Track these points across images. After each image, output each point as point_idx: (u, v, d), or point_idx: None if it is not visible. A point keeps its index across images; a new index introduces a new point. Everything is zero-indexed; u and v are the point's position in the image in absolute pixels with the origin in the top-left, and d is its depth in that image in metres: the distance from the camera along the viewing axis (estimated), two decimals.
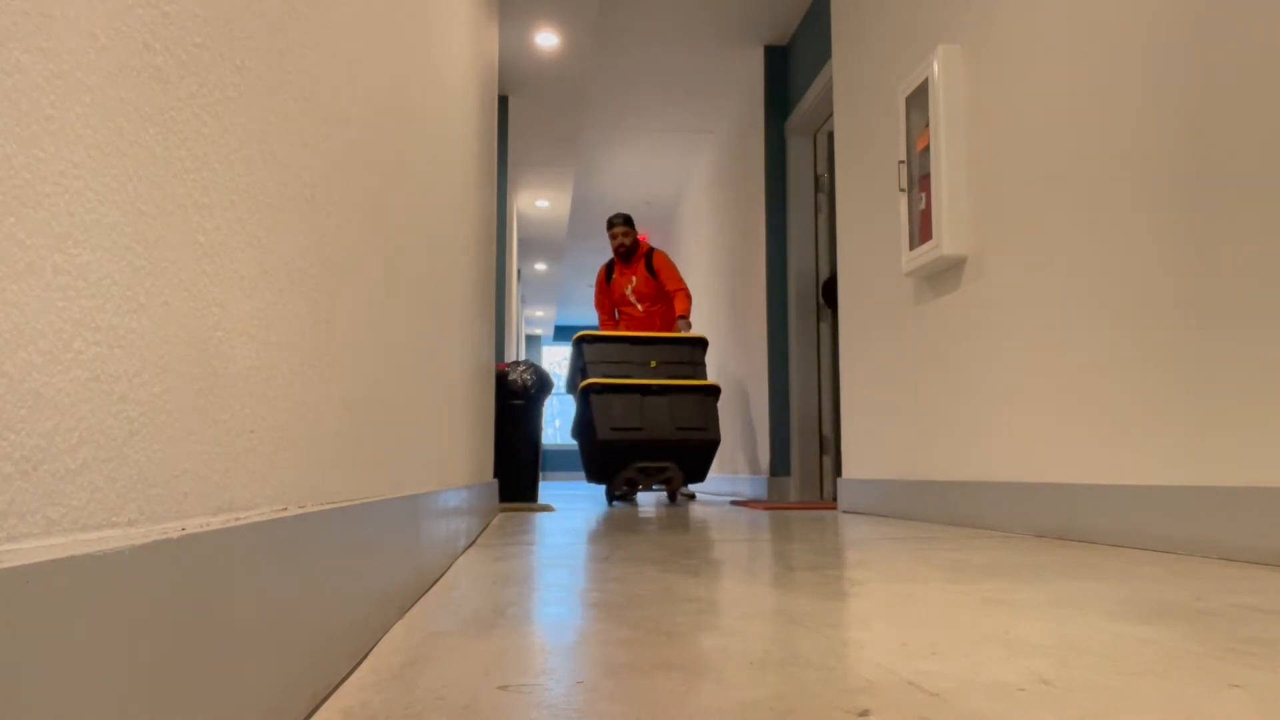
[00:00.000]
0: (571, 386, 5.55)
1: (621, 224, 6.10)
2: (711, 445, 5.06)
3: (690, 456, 5.08)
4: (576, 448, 17.59)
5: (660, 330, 6.11)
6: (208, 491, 0.59)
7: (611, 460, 4.96)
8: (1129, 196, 2.37)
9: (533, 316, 15.33)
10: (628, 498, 5.70)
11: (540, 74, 6.18)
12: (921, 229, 3.53)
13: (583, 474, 17.23)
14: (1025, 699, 0.79)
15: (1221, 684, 0.84)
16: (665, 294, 6.14)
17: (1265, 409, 1.92)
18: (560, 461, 17.01)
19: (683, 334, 5.35)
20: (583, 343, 5.21)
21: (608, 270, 6.26)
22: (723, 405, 7.62)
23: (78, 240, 0.43)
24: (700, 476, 5.20)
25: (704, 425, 5.03)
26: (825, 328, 5.85)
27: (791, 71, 6.09)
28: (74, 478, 0.43)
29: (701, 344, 5.32)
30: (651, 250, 6.15)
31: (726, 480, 7.54)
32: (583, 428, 5.09)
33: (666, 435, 4.95)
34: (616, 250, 6.13)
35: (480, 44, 3.21)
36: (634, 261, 6.13)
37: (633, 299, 6.16)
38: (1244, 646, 1.02)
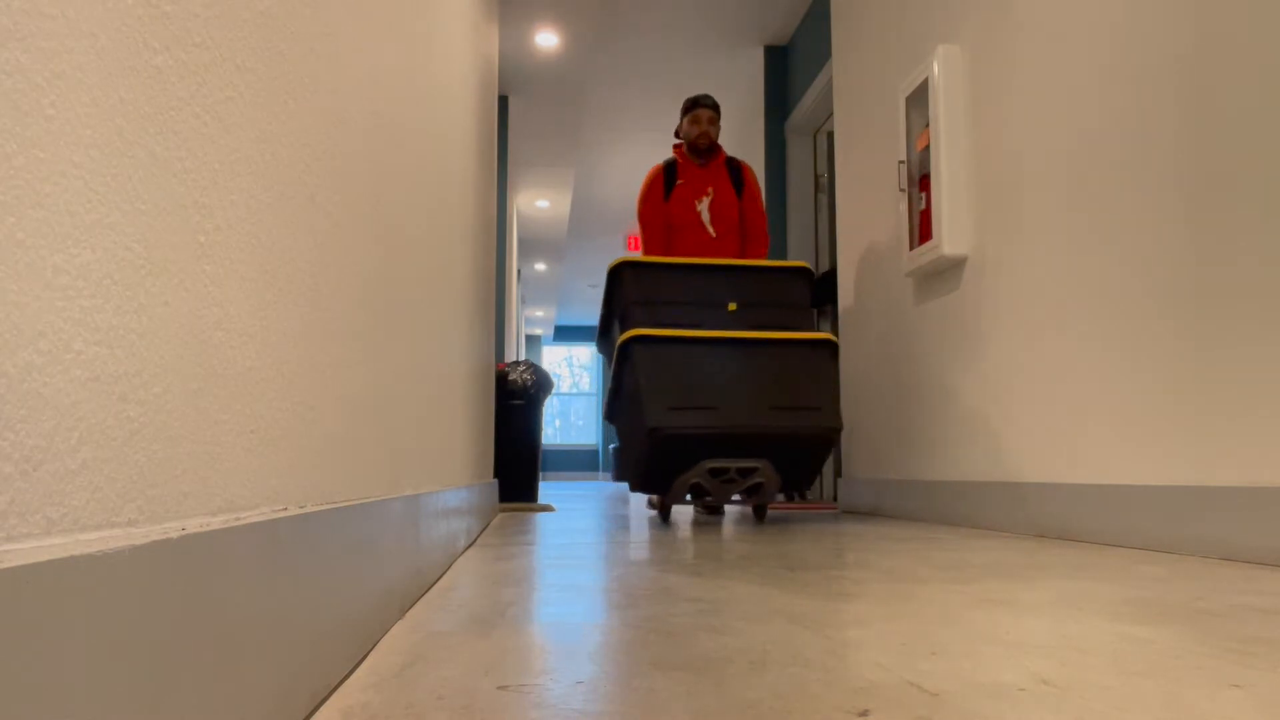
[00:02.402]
0: (604, 343, 3.70)
1: (713, 108, 4.09)
2: (828, 436, 3.20)
3: (793, 452, 3.23)
4: (577, 447, 17.41)
5: None
6: (208, 491, 0.59)
7: (667, 458, 3.16)
8: (1130, 196, 2.37)
9: (533, 316, 15.33)
10: (713, 509, 4.00)
11: (540, 74, 6.18)
12: (921, 229, 3.53)
13: (589, 474, 17.10)
14: (1025, 699, 0.79)
15: (1221, 684, 0.84)
16: (744, 229, 4.16)
17: (1266, 409, 1.91)
18: (560, 461, 17.01)
19: (777, 262, 3.52)
20: (622, 273, 3.40)
21: (667, 176, 4.09)
22: None
23: (78, 240, 0.43)
24: (805, 483, 3.42)
25: (815, 401, 3.20)
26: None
27: (791, 71, 6.09)
28: (74, 478, 0.43)
29: (805, 276, 3.50)
30: (738, 160, 4.19)
31: None
32: (623, 407, 3.35)
33: (755, 418, 3.14)
34: (696, 142, 4.07)
35: (480, 44, 3.21)
36: (712, 167, 4.12)
37: (707, 219, 4.06)
38: (1244, 646, 1.02)
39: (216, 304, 0.61)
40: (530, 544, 2.46)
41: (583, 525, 3.30)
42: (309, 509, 0.77)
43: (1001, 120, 3.05)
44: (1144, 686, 0.84)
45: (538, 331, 16.69)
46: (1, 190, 0.37)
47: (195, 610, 0.53)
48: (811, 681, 0.86)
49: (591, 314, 16.22)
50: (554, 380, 11.24)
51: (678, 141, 4.21)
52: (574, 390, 17.23)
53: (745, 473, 3.25)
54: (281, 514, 0.70)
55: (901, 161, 3.70)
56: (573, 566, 1.88)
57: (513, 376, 4.96)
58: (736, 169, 4.14)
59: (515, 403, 4.92)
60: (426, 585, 1.49)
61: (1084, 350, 2.56)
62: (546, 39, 5.69)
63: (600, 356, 16.56)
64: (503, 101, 6.56)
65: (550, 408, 17.10)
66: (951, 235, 3.28)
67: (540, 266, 11.85)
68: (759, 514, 3.58)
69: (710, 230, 4.06)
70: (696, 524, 3.35)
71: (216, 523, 0.58)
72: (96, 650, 0.42)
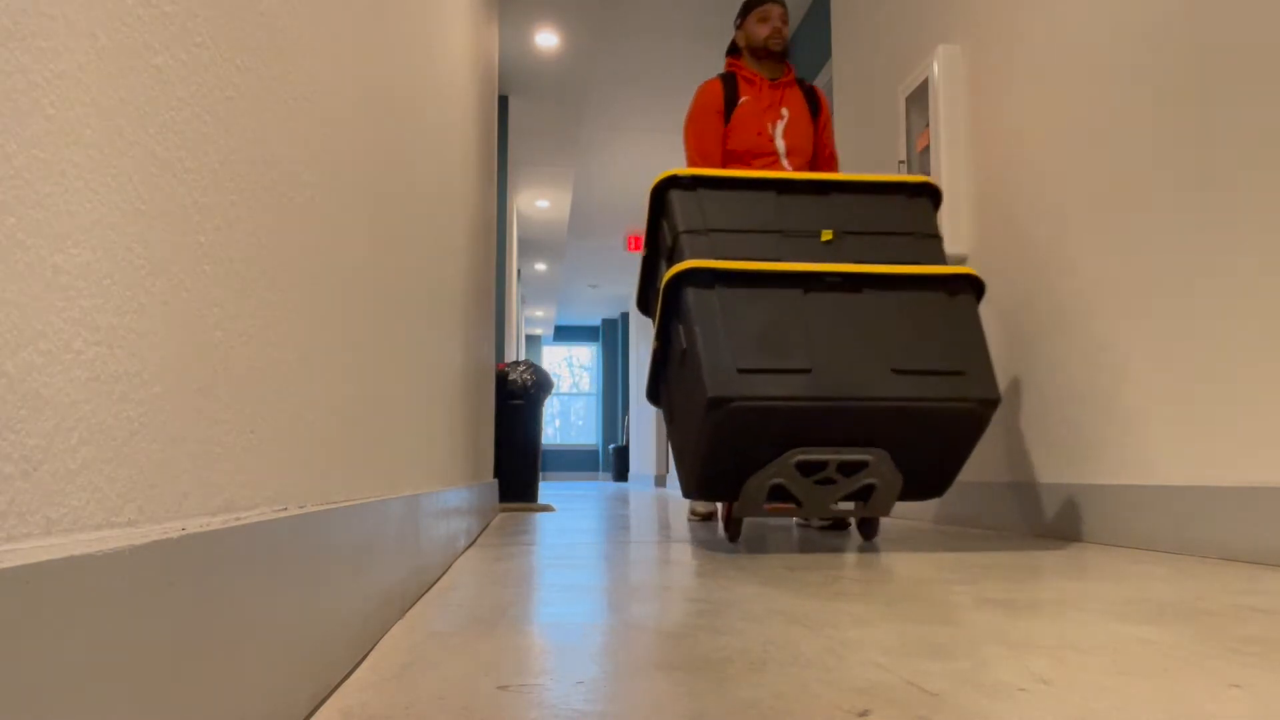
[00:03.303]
0: (647, 295, 2.73)
1: (783, 4, 3.23)
2: (978, 412, 2.21)
3: (924, 437, 2.25)
4: (577, 447, 17.35)
5: None
6: (208, 491, 0.59)
7: (737, 445, 2.20)
8: (1130, 197, 2.37)
9: (533, 316, 15.33)
10: (705, 517, 2.95)
11: (540, 74, 6.18)
12: None
13: (589, 474, 17.05)
14: (1025, 699, 0.79)
15: (1221, 684, 0.84)
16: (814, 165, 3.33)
17: (1267, 409, 1.91)
18: (560, 461, 17.00)
19: (891, 176, 2.67)
20: (669, 194, 2.44)
21: (726, 89, 3.19)
22: None
23: (78, 240, 0.43)
24: (939, 486, 2.40)
25: (957, 362, 2.25)
26: None
27: None
28: (74, 478, 0.43)
29: (931, 194, 2.52)
30: (809, 82, 3.47)
31: None
32: (671, 379, 2.44)
33: (869, 386, 2.17)
34: (768, 44, 3.18)
35: (480, 44, 3.21)
36: (783, 83, 3.24)
37: (780, 144, 3.18)
38: (1244, 646, 1.02)
39: (216, 304, 0.61)
40: (530, 544, 2.46)
41: (583, 525, 3.30)
42: (309, 509, 0.77)
43: (1001, 120, 3.05)
44: (1144, 686, 0.84)
45: (538, 331, 16.69)
46: (1, 190, 0.37)
47: (195, 610, 0.53)
48: (811, 681, 0.86)
49: (591, 314, 16.19)
50: (554, 380, 11.23)
51: (732, 56, 3.29)
52: (574, 390, 17.23)
53: (851, 469, 2.24)
54: (281, 514, 0.70)
55: (901, 161, 3.70)
56: (573, 567, 1.88)
57: (513, 376, 4.96)
58: (810, 90, 3.29)
59: (515, 403, 4.93)
60: (426, 585, 1.49)
61: (1082, 350, 2.56)
62: (546, 39, 5.69)
63: (603, 355, 16.50)
64: (503, 101, 6.56)
65: (550, 408, 17.09)
66: (952, 235, 3.28)
67: (540, 266, 11.85)
68: (866, 530, 2.51)
69: (785, 163, 3.16)
70: (695, 526, 3.35)
71: (216, 523, 0.58)
72: (96, 650, 0.42)
